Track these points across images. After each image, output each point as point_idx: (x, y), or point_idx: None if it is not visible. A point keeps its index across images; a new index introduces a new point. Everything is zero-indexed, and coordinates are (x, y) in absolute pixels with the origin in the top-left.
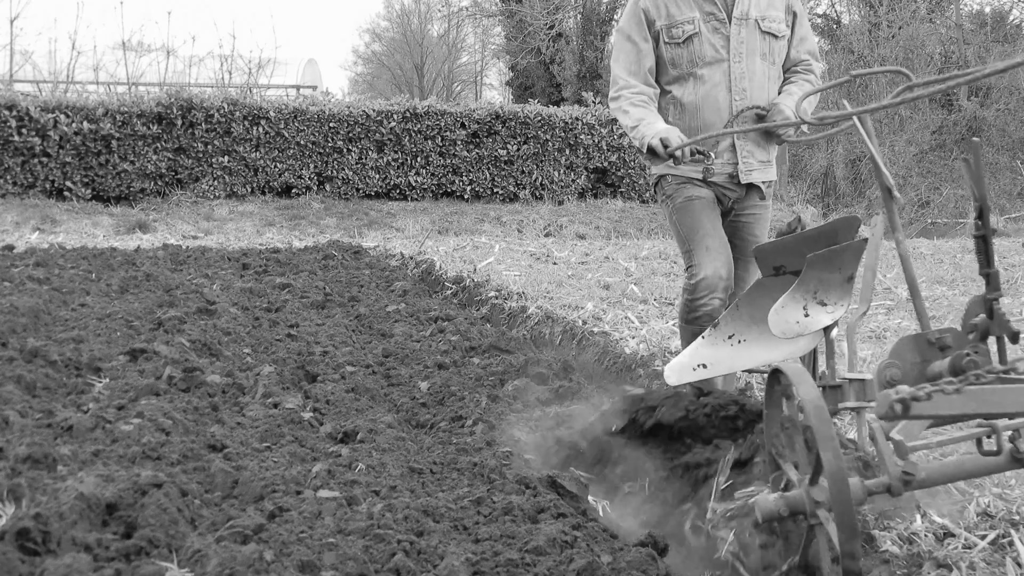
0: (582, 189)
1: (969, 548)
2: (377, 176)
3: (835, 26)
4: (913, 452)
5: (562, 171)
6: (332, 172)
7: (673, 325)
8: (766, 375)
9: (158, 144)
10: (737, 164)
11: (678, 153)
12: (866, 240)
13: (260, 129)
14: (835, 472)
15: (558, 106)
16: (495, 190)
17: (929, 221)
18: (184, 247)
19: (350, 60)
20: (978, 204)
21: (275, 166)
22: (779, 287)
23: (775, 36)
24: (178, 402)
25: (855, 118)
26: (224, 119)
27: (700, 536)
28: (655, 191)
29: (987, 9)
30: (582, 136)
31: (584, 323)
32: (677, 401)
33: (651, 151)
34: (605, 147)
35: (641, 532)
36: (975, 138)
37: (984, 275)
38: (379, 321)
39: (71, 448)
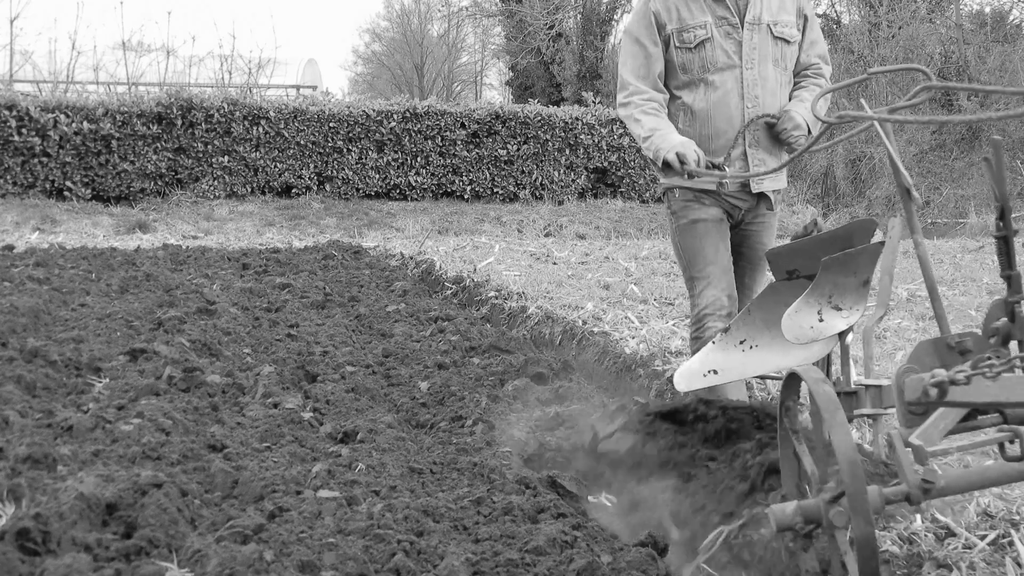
0: (582, 189)
1: (969, 548)
2: (377, 176)
3: (835, 26)
4: (933, 458)
5: (562, 171)
6: (332, 172)
7: (673, 325)
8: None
9: (158, 144)
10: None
11: (694, 168)
12: (882, 243)
13: (260, 129)
14: (856, 488)
15: (558, 106)
16: (495, 190)
17: (929, 221)
18: (184, 247)
19: (350, 60)
20: (999, 204)
21: (275, 166)
22: (793, 291)
23: (787, 41)
24: (178, 402)
25: (876, 122)
26: (224, 119)
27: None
28: (663, 198)
29: (987, 9)
30: (582, 136)
31: (584, 323)
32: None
33: (666, 165)
34: (605, 147)
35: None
36: (996, 136)
37: (1005, 277)
38: (379, 321)
39: (71, 448)
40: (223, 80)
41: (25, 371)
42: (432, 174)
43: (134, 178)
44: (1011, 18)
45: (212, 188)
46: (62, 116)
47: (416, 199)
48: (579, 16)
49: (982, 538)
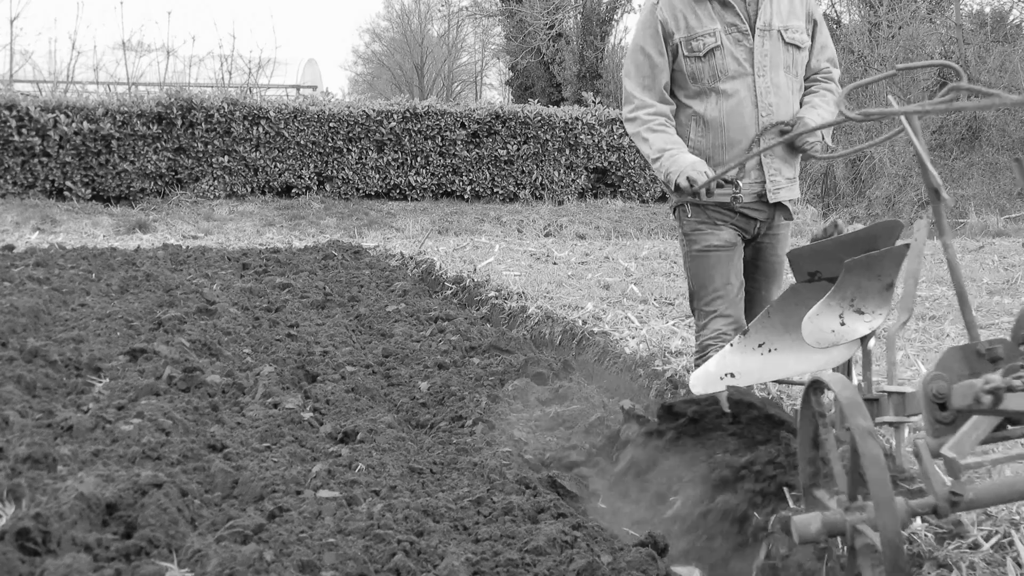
0: (582, 189)
1: (969, 548)
2: (377, 176)
3: (835, 26)
4: (966, 471)
5: (562, 171)
6: (332, 172)
7: (673, 325)
8: (794, 386)
9: (158, 144)
10: (765, 183)
11: (702, 192)
12: (907, 246)
13: (260, 129)
14: (885, 505)
15: (558, 106)
16: (495, 190)
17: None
18: (184, 247)
19: (350, 60)
20: None
21: (275, 166)
22: (813, 294)
23: (798, 47)
24: (178, 402)
25: (903, 116)
26: (224, 119)
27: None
28: (675, 214)
29: (987, 9)
30: (582, 136)
31: (584, 323)
32: None
33: (678, 188)
34: (605, 147)
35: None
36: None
37: None
38: (379, 321)
39: (71, 448)
40: (223, 80)
41: (25, 371)
42: (432, 174)
43: (134, 178)
44: (1011, 18)
45: (212, 188)
46: (62, 116)
47: (416, 199)
48: (579, 16)
49: (983, 538)
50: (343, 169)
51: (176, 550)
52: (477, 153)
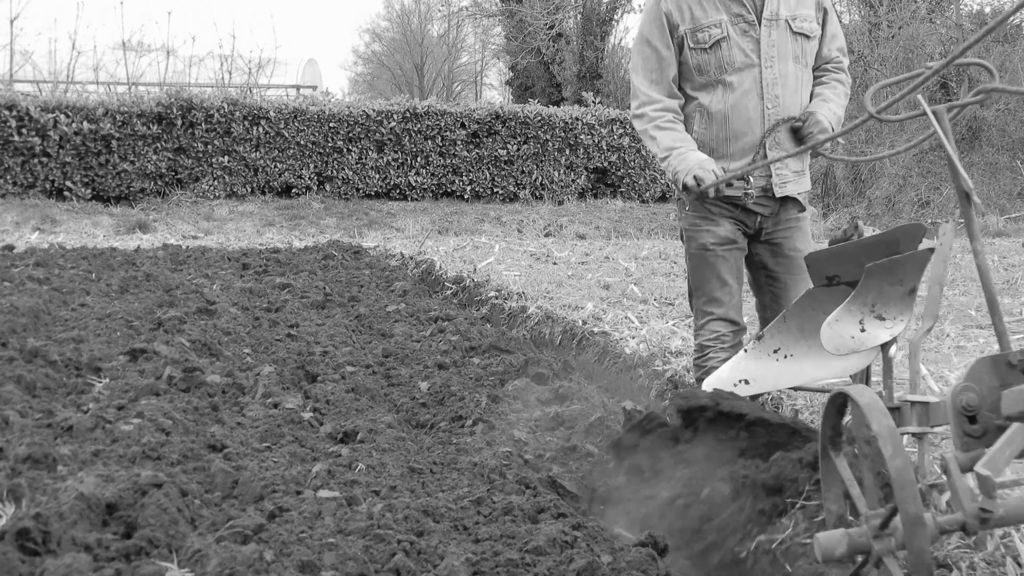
0: (582, 189)
1: (969, 548)
2: (377, 176)
3: None
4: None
5: (562, 171)
6: (332, 172)
7: (673, 325)
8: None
9: (158, 144)
10: (771, 177)
11: (710, 192)
12: (931, 250)
13: (260, 129)
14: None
15: (558, 106)
16: (495, 190)
17: (929, 221)
18: (184, 247)
19: (350, 60)
20: None
21: (275, 166)
22: (832, 298)
23: (807, 37)
24: (178, 402)
25: (932, 116)
26: (224, 119)
27: None
28: (678, 206)
29: (987, 9)
30: (582, 136)
31: (584, 323)
32: None
33: (685, 188)
34: (605, 147)
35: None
36: None
37: None
38: (379, 321)
39: (71, 448)
40: (223, 80)
41: (25, 371)
42: (432, 174)
43: (134, 178)
44: (1011, 18)
45: (212, 188)
46: (62, 116)
47: (416, 199)
48: (579, 16)
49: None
50: (343, 169)
51: (176, 550)
52: (477, 153)
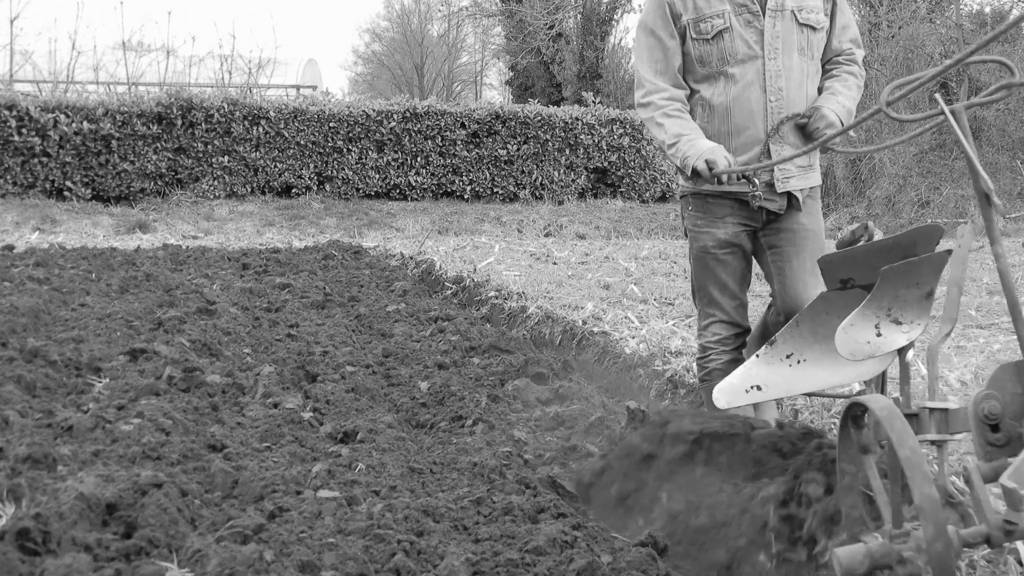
0: (582, 189)
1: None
2: (377, 176)
3: None
4: None
5: (562, 171)
6: (332, 172)
7: (673, 325)
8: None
9: (158, 144)
10: (773, 172)
11: (724, 178)
12: (948, 252)
13: (260, 129)
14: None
15: (558, 106)
16: (495, 190)
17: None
18: (184, 247)
19: (350, 60)
20: None
21: (275, 166)
22: (845, 302)
23: (813, 28)
24: (178, 402)
25: (950, 115)
26: (224, 119)
27: None
28: (680, 206)
29: (987, 9)
30: (582, 136)
31: (584, 323)
32: None
33: (695, 173)
34: (605, 147)
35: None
36: None
37: None
38: (379, 321)
39: (71, 448)
40: (223, 80)
41: (25, 371)
42: (432, 174)
43: (134, 178)
44: (1011, 18)
45: (212, 188)
46: (62, 116)
47: (416, 199)
48: (579, 16)
49: None
50: (343, 169)
51: (176, 550)
52: (477, 153)
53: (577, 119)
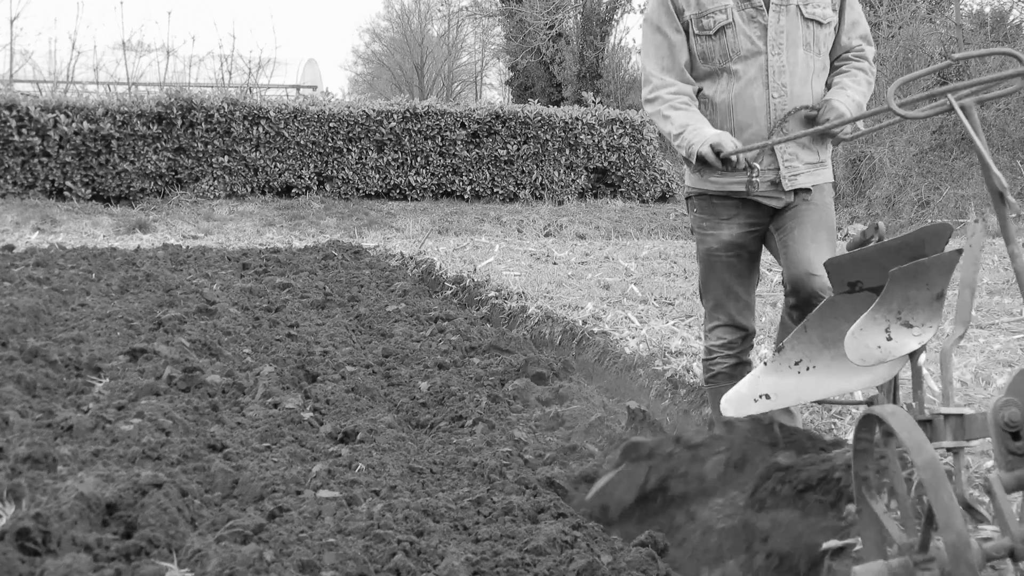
0: (582, 189)
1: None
2: (377, 176)
3: None
4: None
5: (562, 171)
6: (332, 172)
7: (673, 325)
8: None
9: (158, 144)
10: (779, 170)
11: (732, 159)
12: (959, 252)
13: (260, 129)
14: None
15: (558, 106)
16: (495, 190)
17: (929, 221)
18: (184, 247)
19: (350, 60)
20: None
21: (275, 166)
22: (854, 306)
23: (820, 23)
24: (178, 402)
25: (959, 110)
26: (224, 119)
27: None
28: (687, 205)
29: (987, 9)
30: (582, 136)
31: (584, 323)
32: None
33: (700, 160)
34: (605, 147)
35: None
36: None
37: None
38: (379, 321)
39: (71, 448)
40: (223, 80)
41: (25, 371)
42: (432, 174)
43: (134, 178)
44: (1011, 18)
45: (212, 188)
46: (62, 116)
47: (416, 199)
48: (579, 16)
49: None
50: (343, 169)
51: (176, 550)
52: (477, 153)
53: (577, 119)
